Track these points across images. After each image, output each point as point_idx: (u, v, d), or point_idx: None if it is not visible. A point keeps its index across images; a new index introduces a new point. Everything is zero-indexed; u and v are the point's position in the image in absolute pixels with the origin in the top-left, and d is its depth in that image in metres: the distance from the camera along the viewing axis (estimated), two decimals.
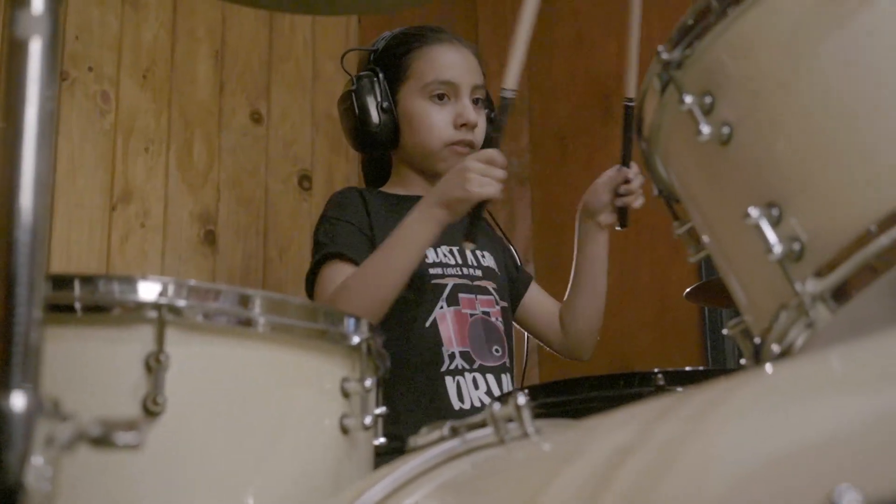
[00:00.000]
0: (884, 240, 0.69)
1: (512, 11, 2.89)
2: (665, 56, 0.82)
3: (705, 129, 0.78)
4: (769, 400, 0.56)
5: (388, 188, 1.84)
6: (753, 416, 0.54)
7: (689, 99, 0.79)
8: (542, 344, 1.90)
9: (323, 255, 1.66)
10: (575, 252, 1.78)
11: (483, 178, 1.46)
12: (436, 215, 1.51)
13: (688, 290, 1.48)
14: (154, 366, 0.78)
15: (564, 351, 1.85)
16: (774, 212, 0.74)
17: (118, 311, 0.79)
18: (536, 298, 1.90)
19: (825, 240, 0.72)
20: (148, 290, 0.80)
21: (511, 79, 1.45)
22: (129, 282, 0.81)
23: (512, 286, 1.86)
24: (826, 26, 0.74)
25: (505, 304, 1.78)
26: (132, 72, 2.42)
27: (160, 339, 0.78)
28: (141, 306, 0.80)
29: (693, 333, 2.32)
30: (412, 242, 1.53)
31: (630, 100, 1.62)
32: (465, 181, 1.46)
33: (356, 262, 1.62)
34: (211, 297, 0.83)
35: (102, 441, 0.49)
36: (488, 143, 1.54)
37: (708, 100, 0.79)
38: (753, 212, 0.74)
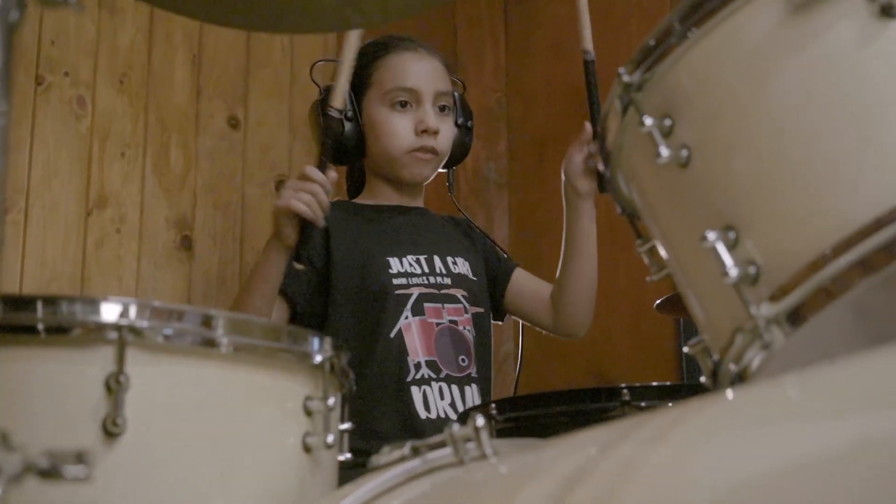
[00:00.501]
0: (839, 263, 0.70)
1: (489, 19, 2.91)
2: (626, 78, 0.82)
3: (664, 152, 0.78)
4: (722, 429, 0.56)
5: (361, 198, 1.85)
6: (706, 445, 0.55)
7: (648, 121, 0.80)
8: (536, 327, 1.88)
9: None
10: (564, 226, 1.76)
11: (299, 193, 1.48)
12: (268, 247, 1.56)
13: (658, 301, 1.49)
14: (114, 387, 0.78)
15: (558, 329, 1.83)
16: (731, 235, 0.75)
17: (79, 332, 0.79)
18: (522, 283, 1.88)
19: (781, 263, 0.73)
20: (109, 311, 0.80)
21: (338, 98, 1.54)
22: (92, 303, 0.81)
23: (493, 281, 1.86)
24: (783, 52, 0.75)
25: (479, 310, 1.78)
26: (108, 77, 2.41)
27: (120, 360, 0.78)
28: (102, 327, 0.80)
29: (668, 341, 2.33)
30: (259, 268, 1.59)
31: (587, 52, 1.64)
32: (280, 196, 1.50)
33: (290, 297, 1.66)
34: (174, 317, 0.83)
35: (50, 474, 0.49)
36: (323, 153, 1.56)
37: (667, 122, 0.80)
38: (711, 235, 0.75)
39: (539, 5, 2.84)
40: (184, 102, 2.53)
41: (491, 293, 1.86)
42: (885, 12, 0.71)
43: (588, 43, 1.64)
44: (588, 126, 1.68)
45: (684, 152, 0.78)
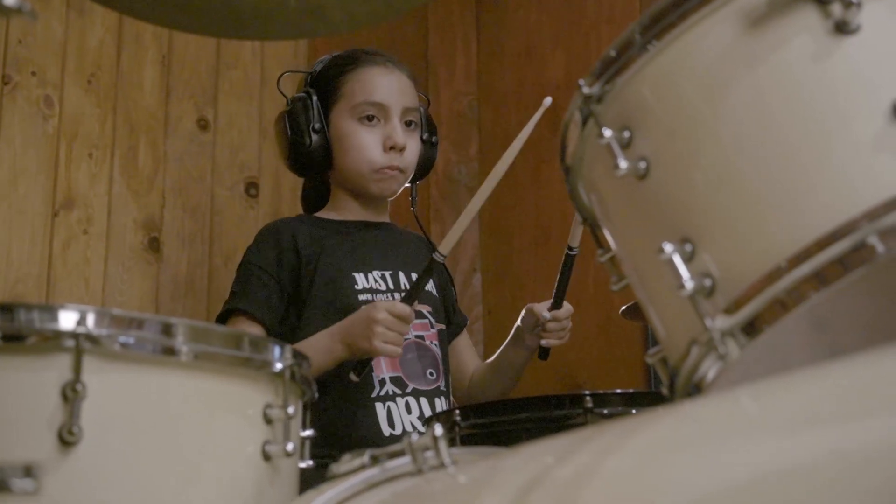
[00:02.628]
0: (794, 275, 0.71)
1: (461, 23, 2.91)
2: (586, 90, 0.83)
3: (622, 164, 0.79)
4: (677, 441, 0.57)
5: (324, 213, 1.85)
6: (660, 457, 0.55)
7: (608, 133, 0.80)
8: None
9: (230, 308, 1.72)
10: (506, 342, 1.84)
11: (389, 332, 1.51)
12: (335, 350, 1.56)
13: (623, 308, 1.49)
14: (70, 395, 0.77)
15: (461, 397, 1.91)
16: (688, 247, 0.76)
17: (35, 340, 0.79)
18: (462, 347, 1.94)
19: (736, 275, 0.74)
20: (66, 319, 0.80)
21: (446, 246, 1.54)
22: (49, 310, 0.80)
23: (448, 325, 1.88)
24: (740, 66, 0.76)
25: (442, 326, 1.80)
26: (76, 77, 2.39)
27: (77, 369, 0.78)
28: (59, 335, 0.79)
29: (637, 348, 2.34)
30: (317, 355, 1.57)
31: (571, 248, 1.69)
32: (373, 335, 1.51)
33: (260, 321, 1.67)
34: (134, 325, 0.83)
35: None
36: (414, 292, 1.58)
37: (626, 134, 0.80)
38: (667, 247, 0.75)
39: (510, 10, 2.84)
40: (153, 103, 2.51)
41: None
42: (840, 29, 0.72)
43: (576, 241, 1.69)
44: (553, 312, 1.74)
45: (642, 164, 0.79)
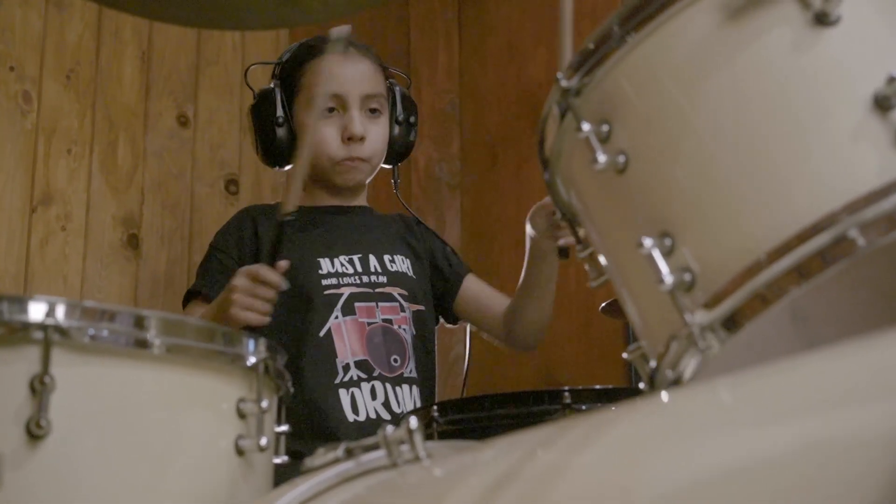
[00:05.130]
0: (774, 269, 0.70)
1: (443, 21, 2.90)
2: (564, 84, 0.82)
3: (601, 158, 0.78)
4: (650, 433, 0.56)
5: (301, 200, 1.83)
6: (633, 450, 0.55)
7: (586, 127, 0.80)
8: (488, 338, 1.88)
9: (190, 290, 1.73)
10: (525, 262, 1.74)
11: (246, 299, 1.43)
12: (217, 320, 1.46)
13: (603, 304, 1.48)
14: (38, 388, 0.76)
15: (511, 345, 1.83)
16: (667, 242, 0.75)
17: (3, 331, 0.77)
18: (474, 291, 1.87)
19: (716, 270, 0.73)
20: (35, 310, 0.78)
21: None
22: (18, 301, 0.79)
23: (444, 284, 1.85)
24: (719, 58, 0.75)
25: (419, 307, 1.77)
26: (55, 72, 2.37)
27: (45, 361, 0.77)
28: (27, 326, 0.78)
29: (617, 345, 2.33)
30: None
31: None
32: (230, 303, 1.43)
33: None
34: (105, 317, 0.81)
35: None
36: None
37: (605, 128, 0.80)
38: (647, 241, 0.75)
39: (492, 7, 2.84)
40: (132, 100, 2.50)
41: (441, 296, 1.85)
42: (820, 20, 0.72)
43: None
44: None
45: (621, 158, 0.78)
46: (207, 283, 1.69)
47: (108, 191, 2.41)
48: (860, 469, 0.43)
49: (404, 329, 1.72)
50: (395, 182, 1.87)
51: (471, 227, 2.78)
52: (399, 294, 1.74)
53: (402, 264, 1.78)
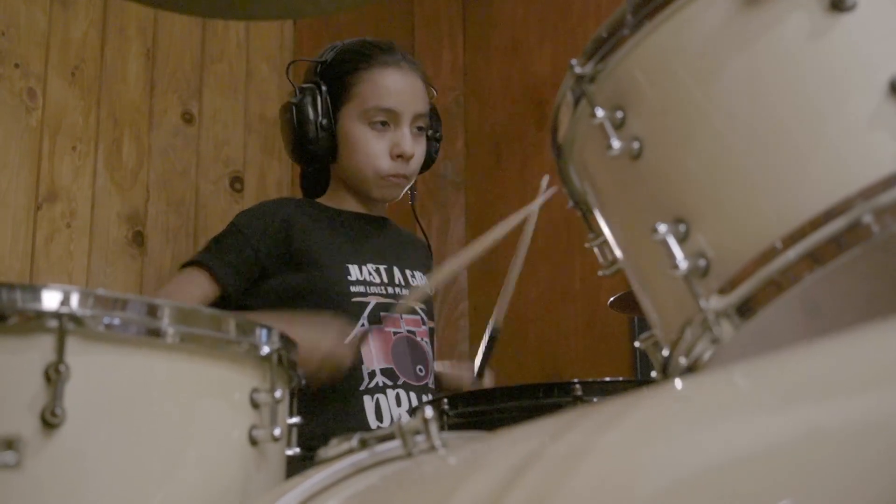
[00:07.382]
0: (788, 255, 0.70)
1: (447, 18, 2.90)
2: (578, 70, 0.82)
3: (616, 144, 0.78)
4: (670, 418, 0.56)
5: (324, 199, 1.83)
6: (653, 434, 0.55)
7: (600, 113, 0.79)
8: None
9: (195, 259, 1.69)
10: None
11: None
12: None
13: (612, 299, 1.48)
14: (53, 376, 0.76)
15: None
16: (682, 227, 0.75)
17: (17, 320, 0.77)
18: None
19: (730, 256, 0.73)
20: (50, 299, 0.78)
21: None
22: (32, 290, 0.79)
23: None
24: (734, 45, 0.75)
25: (433, 324, 1.79)
26: (60, 69, 2.37)
27: (60, 349, 0.76)
28: (41, 315, 0.77)
29: (623, 339, 2.34)
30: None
31: (496, 329, 1.59)
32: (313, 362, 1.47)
33: (221, 283, 1.64)
34: (118, 306, 0.81)
35: None
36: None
37: (619, 114, 0.79)
38: (661, 227, 0.75)
39: (497, 4, 2.84)
40: (137, 97, 2.50)
41: None
42: (836, 6, 0.71)
43: (500, 321, 1.60)
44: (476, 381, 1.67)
45: (636, 144, 0.78)
46: (218, 262, 1.65)
47: (112, 188, 2.41)
48: (874, 456, 0.43)
49: (426, 342, 1.73)
50: (412, 194, 1.86)
51: (475, 223, 2.77)
52: (420, 308, 1.76)
53: (421, 281, 1.79)
